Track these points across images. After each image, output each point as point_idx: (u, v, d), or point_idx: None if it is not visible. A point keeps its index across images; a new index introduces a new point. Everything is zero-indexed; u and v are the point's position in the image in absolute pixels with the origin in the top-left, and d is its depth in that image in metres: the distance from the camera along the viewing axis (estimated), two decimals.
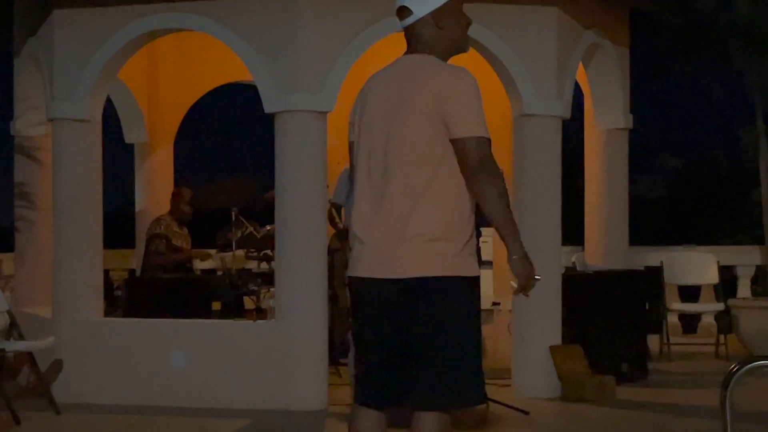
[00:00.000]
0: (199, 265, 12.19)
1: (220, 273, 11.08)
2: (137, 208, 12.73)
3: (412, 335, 4.64)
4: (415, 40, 4.81)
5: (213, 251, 11.52)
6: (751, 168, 16.00)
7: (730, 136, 21.84)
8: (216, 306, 11.01)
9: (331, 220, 9.42)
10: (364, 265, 4.70)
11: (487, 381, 8.97)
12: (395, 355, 4.71)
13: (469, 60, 10.99)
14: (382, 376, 4.76)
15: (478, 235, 9.07)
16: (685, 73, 12.68)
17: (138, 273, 11.58)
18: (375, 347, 4.75)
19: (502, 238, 4.64)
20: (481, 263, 9.04)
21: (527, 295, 4.78)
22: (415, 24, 4.79)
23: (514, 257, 4.65)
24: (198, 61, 12.55)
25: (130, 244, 12.89)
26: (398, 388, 4.74)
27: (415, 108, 4.59)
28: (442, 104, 4.55)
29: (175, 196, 11.48)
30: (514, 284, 4.70)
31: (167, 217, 11.33)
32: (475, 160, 4.54)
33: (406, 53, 4.85)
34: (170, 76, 12.66)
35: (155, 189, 12.50)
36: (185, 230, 11.44)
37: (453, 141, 4.56)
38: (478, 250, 9.01)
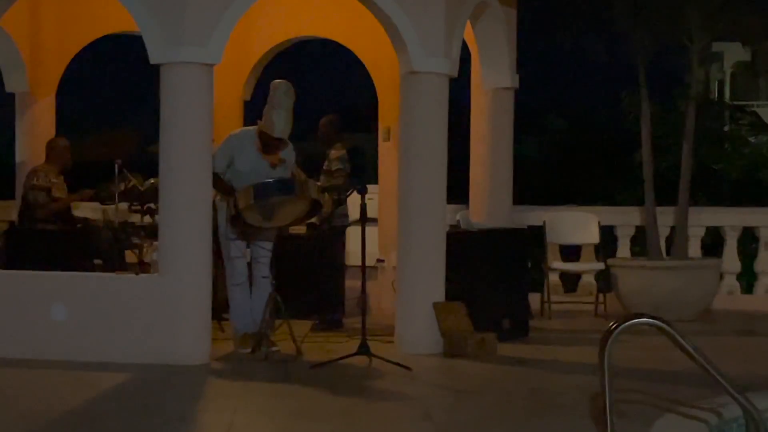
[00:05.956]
0: (80, 212, 11.99)
1: (102, 226, 10.93)
2: (18, 158, 12.50)
3: None
4: None
5: (92, 191, 11.30)
6: (632, 130, 16.27)
7: (613, 98, 22.19)
8: (98, 261, 10.88)
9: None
10: None
11: (370, 337, 9.11)
12: None
13: (358, 16, 11.02)
14: None
15: (363, 191, 9.12)
16: (570, 34, 12.77)
17: (17, 224, 11.38)
18: None
19: None
20: (366, 220, 9.12)
21: None
22: None
23: None
24: (82, 10, 12.33)
25: (9, 195, 12.67)
26: None
27: None
28: None
29: (52, 146, 11.28)
30: None
31: (45, 167, 11.13)
32: None
33: None
34: (53, 25, 12.42)
35: (36, 139, 12.26)
36: (61, 179, 11.24)
37: None
38: (363, 207, 9.09)
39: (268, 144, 9.47)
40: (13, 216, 12.01)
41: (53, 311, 9.21)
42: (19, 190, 11.83)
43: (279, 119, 9.31)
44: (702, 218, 13.40)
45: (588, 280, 13.52)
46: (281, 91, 9.38)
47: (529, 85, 13.30)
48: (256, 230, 9.42)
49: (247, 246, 9.73)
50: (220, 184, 9.46)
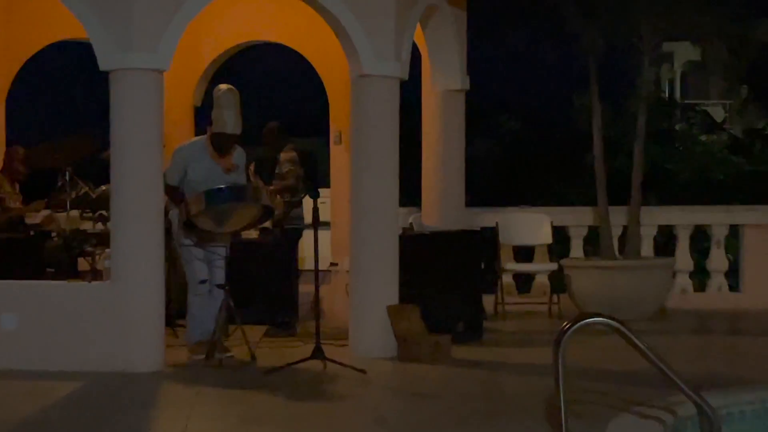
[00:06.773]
0: (32, 219, 11.91)
1: (53, 234, 10.85)
2: None
3: None
4: None
5: (44, 202, 11.22)
6: (584, 131, 16.33)
7: (565, 99, 22.26)
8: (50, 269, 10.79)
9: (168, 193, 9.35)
10: None
11: (324, 341, 9.09)
12: None
13: (309, 20, 10.99)
14: None
15: (316, 196, 9.10)
16: (521, 35, 12.81)
17: None
18: None
19: None
20: (319, 224, 9.10)
21: None
22: None
23: None
24: (31, 17, 12.21)
25: None
26: None
27: None
28: None
29: (8, 156, 11.20)
30: None
31: None
32: None
33: None
34: (1, 32, 12.30)
35: None
36: (17, 189, 11.16)
37: None
38: (315, 210, 9.07)
39: (222, 145, 9.45)
40: None
41: (3, 320, 9.13)
42: None
43: (230, 117, 9.33)
44: (654, 217, 13.47)
45: (541, 280, 13.56)
46: (226, 91, 9.40)
47: (481, 87, 13.33)
48: (208, 235, 9.39)
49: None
50: (170, 192, 9.44)
